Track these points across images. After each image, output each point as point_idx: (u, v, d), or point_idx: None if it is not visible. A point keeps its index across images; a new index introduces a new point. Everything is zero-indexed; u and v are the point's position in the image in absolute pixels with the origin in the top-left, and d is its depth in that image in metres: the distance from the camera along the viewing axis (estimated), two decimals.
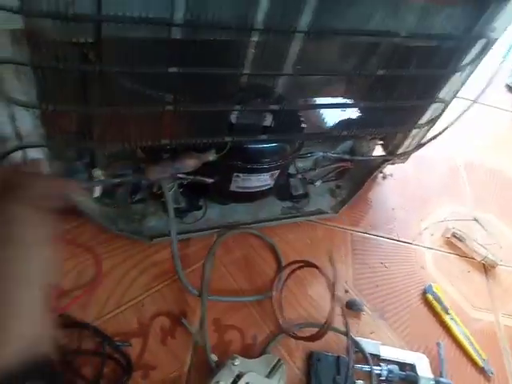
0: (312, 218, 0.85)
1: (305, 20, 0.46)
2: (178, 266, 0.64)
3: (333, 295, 0.64)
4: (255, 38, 0.44)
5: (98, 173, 0.63)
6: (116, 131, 0.51)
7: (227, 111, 0.52)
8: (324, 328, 0.62)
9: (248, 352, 0.66)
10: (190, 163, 0.58)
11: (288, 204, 0.84)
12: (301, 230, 0.84)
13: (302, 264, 0.71)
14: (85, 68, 0.41)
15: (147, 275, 0.71)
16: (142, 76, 0.46)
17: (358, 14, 0.47)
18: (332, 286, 0.64)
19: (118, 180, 0.59)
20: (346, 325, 0.66)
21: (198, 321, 0.67)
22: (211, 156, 0.59)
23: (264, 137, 0.57)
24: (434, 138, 0.80)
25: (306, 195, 0.85)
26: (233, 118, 0.59)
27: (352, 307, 0.75)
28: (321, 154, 0.75)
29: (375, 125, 0.66)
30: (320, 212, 0.85)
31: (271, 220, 0.81)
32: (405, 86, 0.62)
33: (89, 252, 0.71)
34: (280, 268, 0.76)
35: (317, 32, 0.48)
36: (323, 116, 0.77)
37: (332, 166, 0.81)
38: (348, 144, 0.88)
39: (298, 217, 0.83)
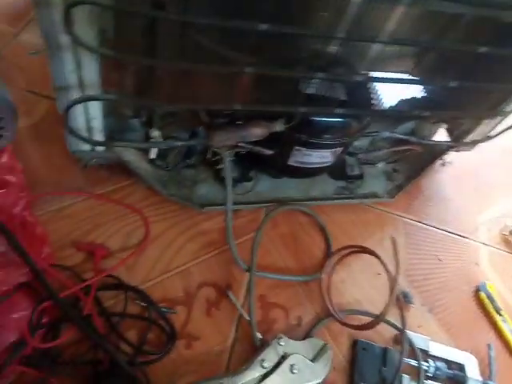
0: (365, 200, 0.80)
1: None
2: (231, 240, 0.61)
3: (393, 288, 0.61)
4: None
5: (155, 133, 0.61)
6: (186, 92, 0.47)
7: (306, 78, 0.48)
8: (378, 319, 0.59)
9: (292, 333, 0.64)
10: (257, 132, 0.54)
11: (341, 184, 0.80)
12: (352, 211, 0.80)
13: (357, 249, 0.68)
14: (166, 16, 0.37)
15: (195, 243, 0.69)
16: (220, 33, 0.42)
17: None
18: (394, 280, 0.60)
19: (180, 143, 0.56)
20: (402, 318, 0.63)
21: (243, 295, 0.65)
22: (279, 126, 0.55)
23: (340, 111, 0.52)
24: (510, 127, 0.73)
25: (360, 176, 0.81)
26: (308, 88, 0.55)
27: (402, 298, 0.72)
28: (387, 133, 0.70)
29: (456, 107, 0.61)
30: (374, 195, 0.81)
31: (323, 199, 0.78)
32: (491, 67, 0.56)
33: (137, 214, 0.69)
34: (329, 250, 0.73)
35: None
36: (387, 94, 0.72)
37: (398, 148, 0.76)
38: (408, 125, 0.82)
39: (351, 198, 0.79)
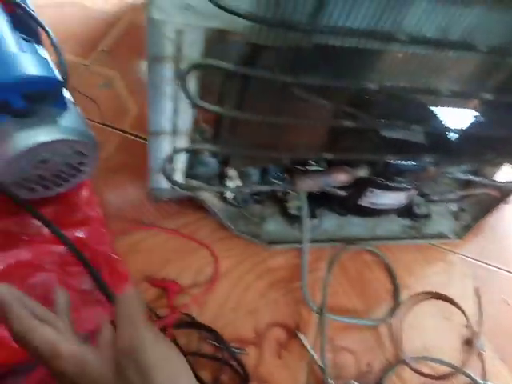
0: (432, 241, 0.79)
1: None
2: (305, 282, 0.61)
3: (472, 341, 0.59)
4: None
5: (232, 173, 0.61)
6: (275, 140, 0.47)
7: (388, 127, 0.47)
8: (455, 370, 0.57)
9: (363, 379, 0.63)
10: (342, 178, 0.54)
11: (407, 222, 0.79)
12: (418, 251, 0.78)
13: (432, 295, 0.66)
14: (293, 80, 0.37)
15: (263, 281, 0.69)
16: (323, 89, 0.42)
17: None
18: (476, 334, 0.58)
19: (265, 187, 0.56)
20: (484, 372, 0.61)
21: (312, 336, 0.65)
22: (364, 172, 0.55)
23: (428, 158, 0.52)
24: None
25: (428, 215, 0.79)
26: (388, 132, 0.55)
27: (471, 344, 0.69)
28: (462, 175, 0.69)
29: None
30: (441, 236, 0.79)
31: (389, 238, 0.76)
32: None
33: (207, 249, 0.69)
34: (396, 291, 0.71)
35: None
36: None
37: (474, 191, 0.74)
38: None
39: (417, 238, 0.77)
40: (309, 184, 0.55)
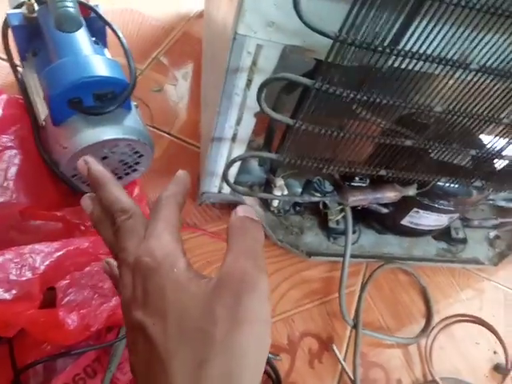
0: (467, 266, 0.79)
1: None
2: (343, 296, 0.62)
3: (501, 366, 0.59)
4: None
5: (280, 183, 0.63)
6: (342, 156, 0.49)
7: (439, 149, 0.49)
8: None
9: None
10: (391, 195, 0.56)
11: (443, 245, 0.79)
12: (452, 275, 0.79)
13: (469, 319, 0.66)
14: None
15: (298, 291, 0.70)
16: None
17: None
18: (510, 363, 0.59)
19: (316, 198, 0.58)
20: None
21: (344, 350, 0.66)
22: (412, 191, 0.56)
23: (479, 183, 0.53)
24: None
25: (464, 240, 0.80)
26: (437, 154, 0.56)
27: (500, 370, 0.69)
28: (503, 202, 0.69)
29: None
30: (476, 261, 0.79)
31: (425, 260, 0.77)
32: None
33: None
34: (430, 313, 0.72)
35: None
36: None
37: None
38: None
39: (453, 262, 0.78)
40: (359, 198, 0.56)
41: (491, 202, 0.70)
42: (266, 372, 0.60)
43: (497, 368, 0.70)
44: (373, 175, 0.51)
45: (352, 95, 0.39)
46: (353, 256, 0.74)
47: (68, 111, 0.55)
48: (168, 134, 0.82)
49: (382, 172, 0.49)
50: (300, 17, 0.33)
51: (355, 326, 0.64)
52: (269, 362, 0.61)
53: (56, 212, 0.59)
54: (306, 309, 0.69)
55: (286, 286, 0.70)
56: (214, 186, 0.63)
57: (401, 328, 0.71)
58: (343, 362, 0.63)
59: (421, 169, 0.54)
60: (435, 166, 0.56)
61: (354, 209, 0.69)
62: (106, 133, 0.57)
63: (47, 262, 0.49)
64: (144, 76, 0.90)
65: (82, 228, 0.59)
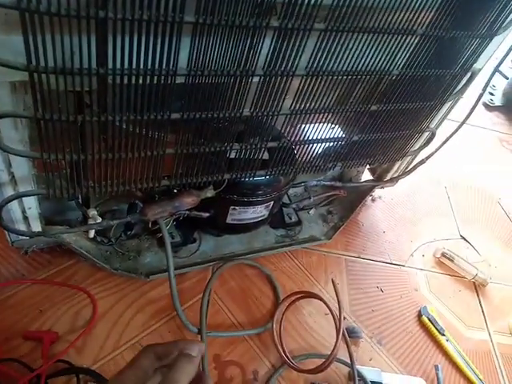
0: (306, 245, 0.85)
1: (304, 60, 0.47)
2: (178, 306, 0.63)
3: (339, 328, 0.64)
4: (256, 80, 0.45)
5: (93, 213, 0.63)
6: (115, 175, 0.50)
7: (226, 149, 0.52)
8: (329, 360, 0.62)
9: None
10: (189, 201, 0.58)
11: (281, 232, 0.85)
12: (295, 257, 0.84)
13: (303, 295, 0.71)
14: (91, 118, 0.41)
15: (144, 314, 0.69)
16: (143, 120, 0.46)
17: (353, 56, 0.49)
18: (338, 320, 0.64)
19: (116, 221, 0.58)
20: (351, 356, 0.66)
21: None
22: (209, 193, 0.59)
23: (262, 172, 0.57)
24: (423, 162, 0.82)
25: (298, 223, 0.86)
26: (231, 153, 0.60)
27: (350, 334, 0.75)
28: (314, 182, 0.76)
29: (367, 155, 0.68)
30: (313, 239, 0.86)
31: (266, 250, 0.81)
32: (396, 118, 0.64)
33: (83, 293, 0.69)
34: (278, 299, 0.76)
35: (314, 74, 0.49)
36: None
37: (325, 194, 0.82)
38: (337, 169, 0.89)
39: (292, 245, 0.83)
40: (158, 211, 0.58)
41: (303, 183, 0.76)
42: None
43: (347, 332, 0.75)
44: (161, 187, 0.52)
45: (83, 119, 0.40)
46: (196, 264, 0.76)
47: None
48: None
49: (165, 182, 0.51)
50: None
51: (199, 332, 0.66)
52: None
53: None
54: (155, 329, 0.68)
55: (130, 313, 0.69)
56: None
57: (253, 320, 0.74)
58: None
59: (214, 171, 0.56)
60: (230, 165, 0.60)
61: (188, 219, 0.70)
62: None
63: None
64: None
65: None
